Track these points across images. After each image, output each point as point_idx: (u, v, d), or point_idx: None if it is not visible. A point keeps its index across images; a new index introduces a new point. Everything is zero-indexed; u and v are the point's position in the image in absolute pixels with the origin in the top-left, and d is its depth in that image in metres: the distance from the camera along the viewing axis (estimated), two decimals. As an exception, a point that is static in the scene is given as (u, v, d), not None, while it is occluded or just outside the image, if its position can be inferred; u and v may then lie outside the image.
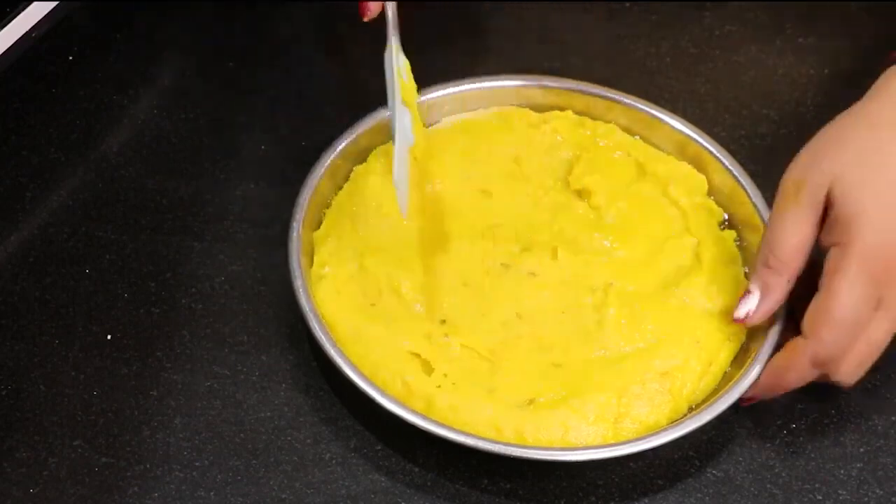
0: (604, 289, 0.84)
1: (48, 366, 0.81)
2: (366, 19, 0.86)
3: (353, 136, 0.88)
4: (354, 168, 0.88)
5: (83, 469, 0.77)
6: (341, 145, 0.87)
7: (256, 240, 0.87)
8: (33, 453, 0.78)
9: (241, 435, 0.79)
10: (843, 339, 0.77)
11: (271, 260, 0.86)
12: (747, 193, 0.87)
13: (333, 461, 0.79)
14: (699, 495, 0.79)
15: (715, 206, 0.89)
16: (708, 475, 0.79)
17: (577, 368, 0.81)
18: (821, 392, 0.83)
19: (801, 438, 0.81)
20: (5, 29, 0.86)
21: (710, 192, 0.89)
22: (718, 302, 0.84)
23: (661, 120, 0.91)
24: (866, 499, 0.79)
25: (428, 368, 0.80)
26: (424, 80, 0.92)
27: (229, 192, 0.91)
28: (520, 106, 0.92)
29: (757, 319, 0.80)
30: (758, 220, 0.86)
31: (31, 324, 0.83)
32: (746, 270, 0.86)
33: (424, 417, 0.77)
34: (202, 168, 0.92)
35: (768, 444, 0.81)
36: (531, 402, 0.79)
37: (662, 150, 0.91)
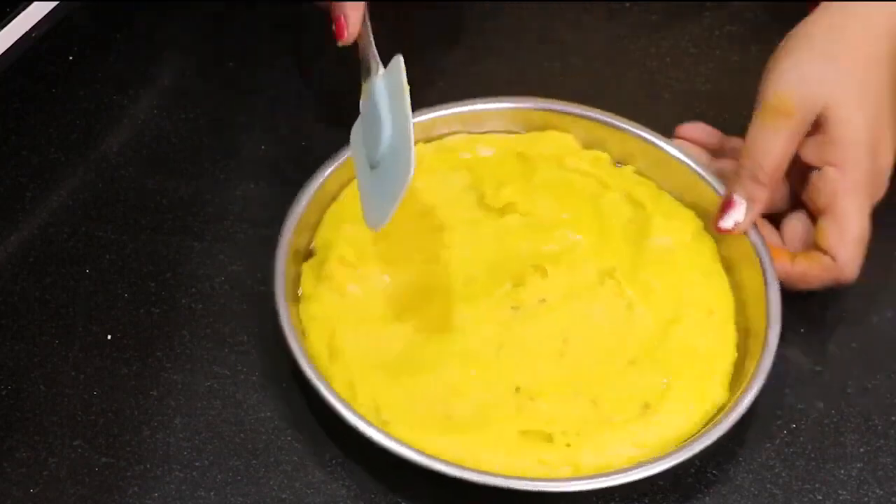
0: (608, 273, 0.84)
1: (48, 366, 0.81)
2: (341, 43, 0.85)
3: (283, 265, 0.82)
4: (301, 308, 0.82)
5: (83, 469, 0.77)
6: (280, 277, 0.81)
7: (256, 240, 0.87)
8: (33, 453, 0.78)
9: (241, 435, 0.79)
10: (860, 254, 0.83)
11: (272, 260, 0.86)
12: (607, 125, 0.89)
13: (333, 461, 0.79)
14: (699, 495, 0.79)
15: (600, 153, 0.90)
16: (708, 475, 0.79)
17: (651, 356, 0.81)
18: (821, 392, 0.83)
19: (801, 438, 0.81)
20: (5, 29, 0.86)
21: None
22: (685, 231, 0.86)
23: (489, 110, 0.90)
24: (866, 499, 0.79)
25: (545, 437, 0.78)
26: (422, 81, 0.92)
27: (229, 192, 0.91)
28: None
29: (744, 228, 0.84)
30: (633, 143, 0.89)
31: (31, 324, 0.83)
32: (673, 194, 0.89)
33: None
34: (202, 168, 0.92)
35: (768, 444, 0.81)
36: (647, 406, 0.79)
37: (518, 132, 0.91)
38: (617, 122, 0.90)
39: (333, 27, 0.84)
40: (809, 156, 0.83)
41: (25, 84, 0.94)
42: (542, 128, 0.91)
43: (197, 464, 0.78)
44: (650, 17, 1.03)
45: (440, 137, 0.91)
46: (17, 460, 0.77)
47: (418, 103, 0.93)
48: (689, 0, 1.03)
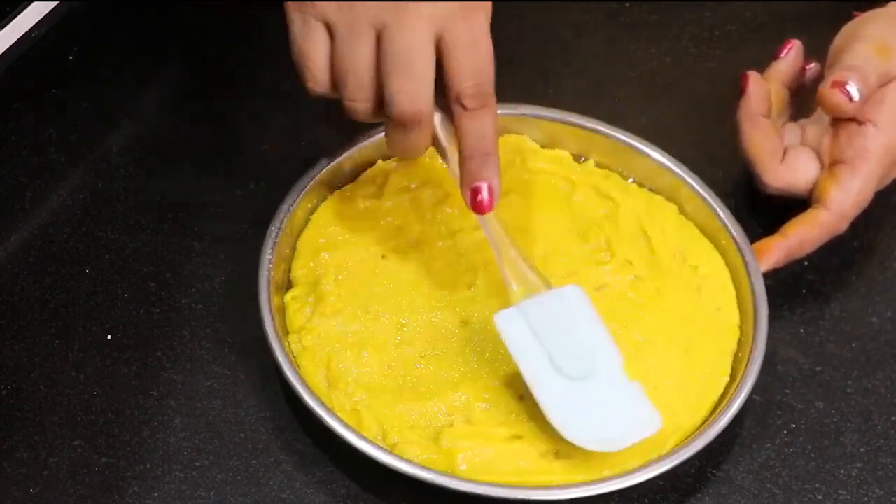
0: (602, 275, 0.84)
1: (48, 366, 0.81)
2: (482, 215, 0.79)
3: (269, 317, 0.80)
4: (292, 340, 0.81)
5: (83, 469, 0.77)
6: (267, 314, 0.80)
7: (256, 240, 0.87)
8: (33, 453, 0.78)
9: (241, 435, 0.79)
10: (856, 213, 0.86)
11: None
12: (561, 122, 0.90)
13: (333, 461, 0.79)
14: (699, 495, 0.79)
15: (560, 151, 0.90)
16: (708, 475, 0.79)
17: (649, 355, 0.82)
18: (821, 392, 0.83)
19: (801, 438, 0.81)
20: (5, 29, 0.86)
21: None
22: (666, 219, 0.87)
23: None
24: (866, 499, 0.79)
25: (536, 449, 0.78)
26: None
27: (229, 192, 0.91)
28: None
29: (862, 102, 0.85)
30: (589, 137, 0.89)
31: (31, 324, 0.83)
32: (632, 180, 0.89)
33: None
34: (202, 168, 0.92)
35: (768, 444, 0.81)
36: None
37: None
38: (570, 118, 0.90)
39: (475, 200, 0.77)
40: (858, 109, 0.85)
41: (25, 84, 0.94)
42: (498, 132, 0.90)
43: (197, 464, 0.78)
44: (650, 17, 1.03)
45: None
46: (17, 460, 0.77)
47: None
48: (689, 0, 1.04)
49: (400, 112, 0.75)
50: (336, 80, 0.77)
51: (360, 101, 0.77)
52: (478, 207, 0.77)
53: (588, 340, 0.78)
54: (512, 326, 0.78)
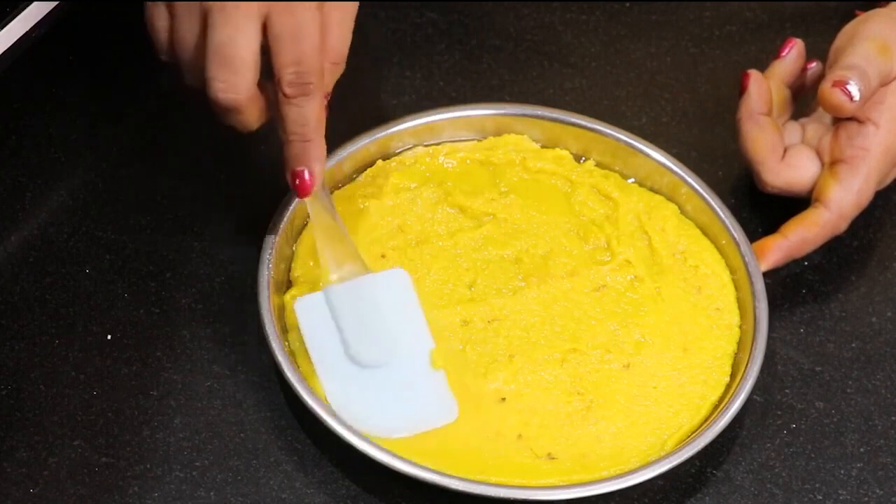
0: (601, 275, 0.84)
1: (48, 366, 0.81)
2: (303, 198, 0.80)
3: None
4: (291, 338, 0.81)
5: (83, 469, 0.77)
6: (267, 314, 0.80)
7: (256, 240, 0.87)
8: (33, 453, 0.78)
9: (241, 435, 0.79)
10: (856, 212, 0.86)
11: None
12: (562, 122, 0.90)
13: (333, 461, 0.79)
14: (699, 495, 0.79)
15: (560, 151, 0.90)
16: (708, 475, 0.79)
17: (649, 355, 0.82)
18: (821, 392, 0.83)
19: (801, 438, 0.81)
20: (5, 29, 0.86)
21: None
22: (667, 218, 0.87)
23: (444, 120, 0.90)
24: (866, 499, 0.79)
25: (531, 454, 0.78)
26: (422, 81, 0.91)
27: (229, 192, 0.91)
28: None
29: (862, 102, 0.85)
30: (589, 137, 0.89)
31: (31, 324, 0.83)
32: (632, 180, 0.89)
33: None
34: (202, 168, 0.92)
35: (768, 444, 0.81)
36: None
37: (474, 139, 0.91)
38: (570, 118, 0.90)
39: (294, 183, 0.79)
40: (859, 109, 0.86)
41: (25, 84, 0.94)
42: (498, 132, 0.90)
43: (197, 464, 0.78)
44: (650, 17, 1.03)
45: (398, 153, 0.90)
46: (17, 460, 0.77)
47: (418, 105, 0.94)
48: (689, 0, 1.04)
49: (214, 99, 0.76)
50: (174, 52, 0.78)
51: (189, 77, 0.78)
52: (297, 190, 0.79)
53: (392, 327, 0.79)
54: (309, 312, 0.79)
